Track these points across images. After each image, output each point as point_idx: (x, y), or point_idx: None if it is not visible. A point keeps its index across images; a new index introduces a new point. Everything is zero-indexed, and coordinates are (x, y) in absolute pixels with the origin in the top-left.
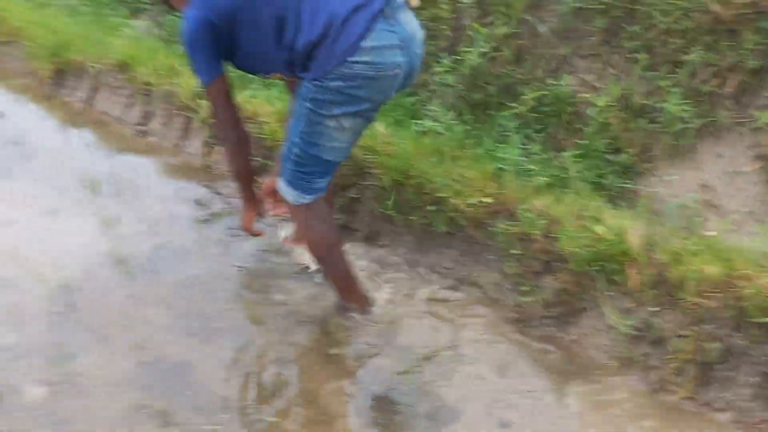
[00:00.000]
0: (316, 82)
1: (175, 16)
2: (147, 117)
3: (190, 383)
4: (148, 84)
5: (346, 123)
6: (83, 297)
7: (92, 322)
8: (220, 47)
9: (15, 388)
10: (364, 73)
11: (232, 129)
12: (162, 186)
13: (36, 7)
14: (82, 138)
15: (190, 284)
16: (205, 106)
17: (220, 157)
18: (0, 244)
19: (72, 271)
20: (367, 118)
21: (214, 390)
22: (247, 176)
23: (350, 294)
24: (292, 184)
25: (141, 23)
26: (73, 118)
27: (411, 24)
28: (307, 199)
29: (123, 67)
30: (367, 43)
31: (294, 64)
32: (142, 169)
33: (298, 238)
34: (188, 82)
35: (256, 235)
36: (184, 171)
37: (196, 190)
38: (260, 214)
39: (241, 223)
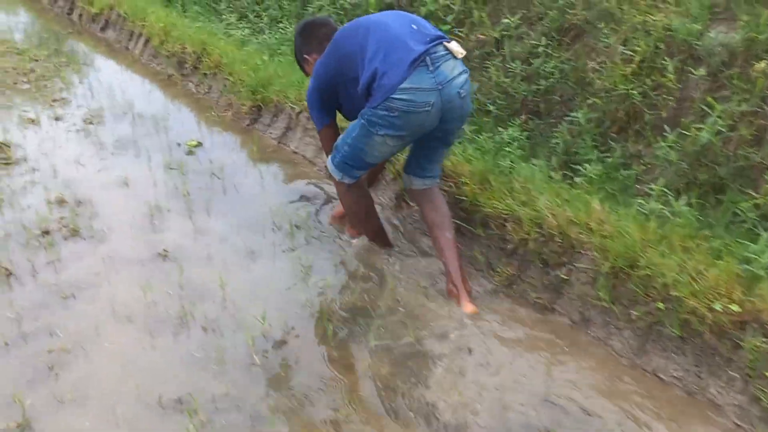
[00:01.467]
0: (372, 109)
1: None
2: None
3: None
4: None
5: (390, 141)
6: (284, 352)
7: (293, 382)
8: (328, 105)
9: None
10: (401, 107)
11: None
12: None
13: (238, 44)
14: (274, 175)
15: (393, 356)
16: (401, 160)
17: (413, 209)
18: (204, 281)
19: (273, 321)
20: (406, 141)
21: None
22: None
23: (380, 240)
24: (339, 168)
25: None
26: (267, 154)
27: (453, 69)
28: (348, 180)
29: None
30: (405, 84)
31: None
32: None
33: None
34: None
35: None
36: None
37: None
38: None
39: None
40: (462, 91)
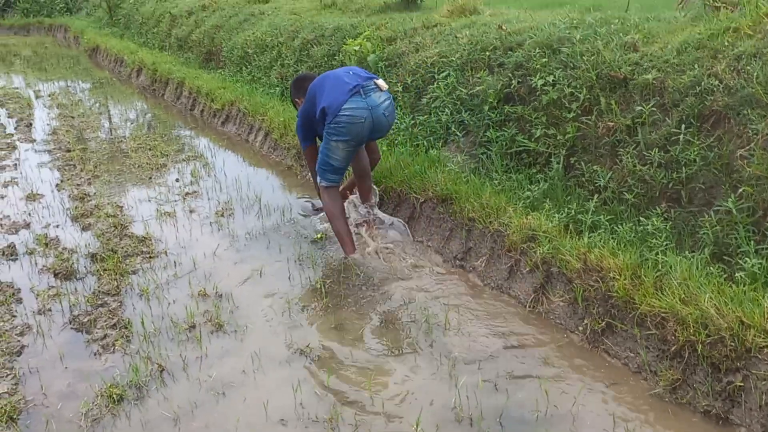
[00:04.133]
0: (328, 125)
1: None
2: (468, 253)
3: None
4: (471, 220)
5: (341, 146)
6: None
7: None
8: (309, 132)
9: None
10: (346, 121)
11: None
12: (492, 332)
13: None
14: (404, 267)
15: None
16: (539, 251)
17: (554, 305)
18: (349, 382)
19: (425, 425)
20: (352, 146)
21: None
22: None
23: (345, 246)
24: (319, 173)
25: (456, 156)
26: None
27: (379, 98)
28: (325, 183)
29: (444, 199)
30: (346, 106)
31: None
32: (471, 308)
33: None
34: (519, 223)
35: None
36: (512, 315)
37: (530, 342)
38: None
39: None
40: (386, 112)
